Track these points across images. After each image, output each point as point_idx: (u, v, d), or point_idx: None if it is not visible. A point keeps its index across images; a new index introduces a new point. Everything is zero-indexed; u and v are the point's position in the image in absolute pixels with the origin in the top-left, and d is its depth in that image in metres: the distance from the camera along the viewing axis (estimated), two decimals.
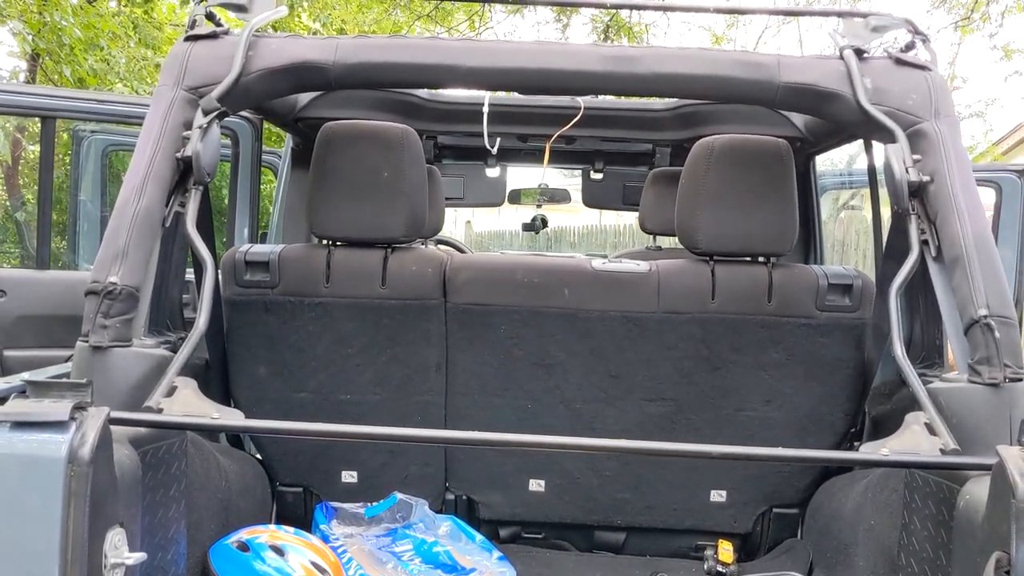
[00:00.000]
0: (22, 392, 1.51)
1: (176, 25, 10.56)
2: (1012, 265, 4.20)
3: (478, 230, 18.34)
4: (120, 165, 6.09)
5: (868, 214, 3.29)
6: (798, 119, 3.14)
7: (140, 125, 2.06)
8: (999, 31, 11.33)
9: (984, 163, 9.87)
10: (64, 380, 1.51)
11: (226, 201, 4.01)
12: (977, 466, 1.64)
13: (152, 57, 9.54)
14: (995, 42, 11.57)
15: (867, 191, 3.03)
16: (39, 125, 4.27)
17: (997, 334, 1.78)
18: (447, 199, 3.90)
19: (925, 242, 1.99)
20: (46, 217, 3.93)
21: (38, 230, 3.94)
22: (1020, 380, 1.77)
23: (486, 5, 10.19)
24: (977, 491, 1.59)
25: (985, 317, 1.80)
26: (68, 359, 2.65)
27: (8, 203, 9.65)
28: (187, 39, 2.16)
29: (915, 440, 1.78)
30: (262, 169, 4.03)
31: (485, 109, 3.15)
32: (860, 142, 3.20)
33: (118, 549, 1.48)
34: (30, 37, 7.90)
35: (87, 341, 1.83)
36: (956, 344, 1.91)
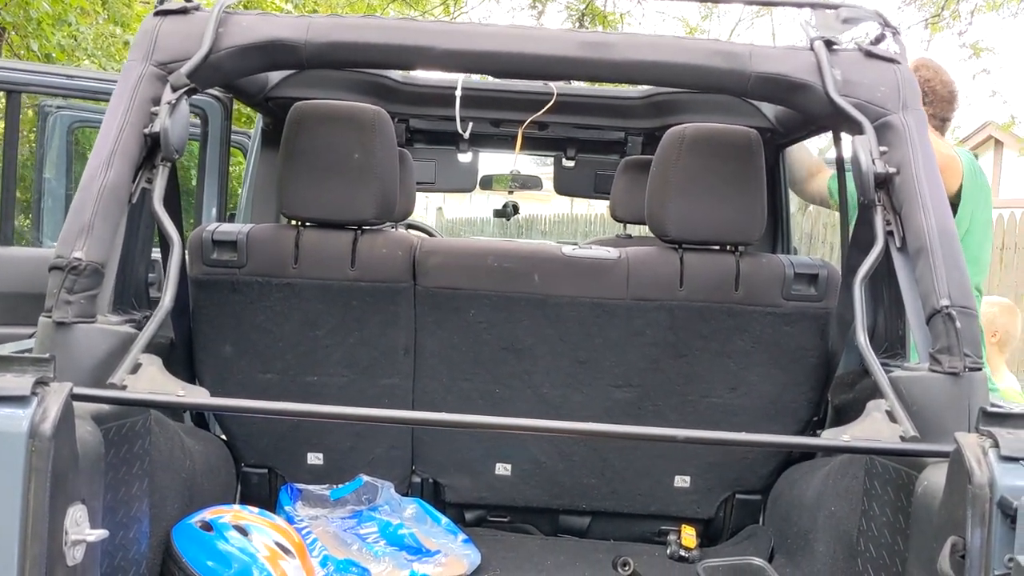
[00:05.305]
0: None
1: (145, 2, 10.42)
2: None
3: (449, 217, 18.33)
4: (87, 142, 6.00)
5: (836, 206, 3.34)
6: (769, 110, 3.16)
7: (108, 101, 2.03)
8: (968, 29, 11.48)
9: None
10: (26, 355, 1.49)
11: (194, 181, 3.96)
12: (935, 453, 1.67)
13: (121, 34, 9.41)
14: (964, 40, 11.71)
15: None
16: (2, 100, 4.20)
17: (958, 324, 1.81)
18: (418, 184, 3.88)
19: (890, 233, 2.02)
20: (10, 194, 3.87)
21: (2, 207, 3.87)
22: (979, 369, 1.80)
23: None
24: (935, 477, 1.62)
25: (947, 307, 1.82)
26: (32, 336, 2.62)
27: None
28: (157, 14, 2.13)
29: (876, 427, 1.80)
30: (231, 149, 3.98)
31: (458, 93, 3.14)
32: (830, 134, 3.22)
33: (79, 526, 1.47)
34: None
35: (50, 317, 1.80)
36: (918, 333, 1.94)
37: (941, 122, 3.51)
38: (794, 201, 4.06)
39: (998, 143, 18.70)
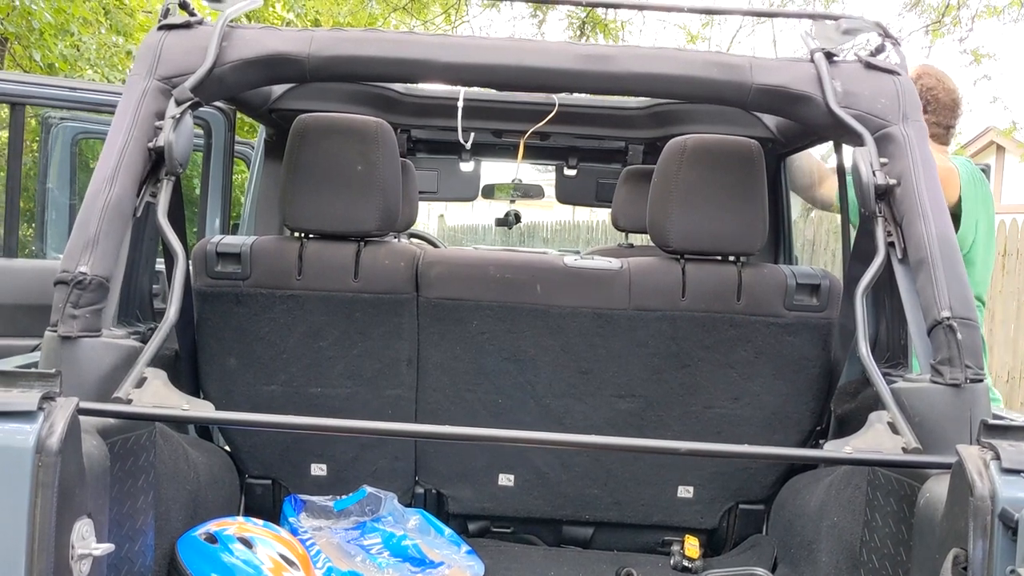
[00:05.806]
0: None
1: (148, 12, 10.45)
2: None
3: (451, 224, 18.32)
4: (90, 153, 6.03)
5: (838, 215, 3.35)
6: (770, 120, 3.16)
7: (111, 113, 2.05)
8: (969, 35, 11.46)
9: None
10: (32, 370, 1.50)
11: (197, 191, 3.98)
12: (937, 465, 1.67)
13: (123, 44, 9.45)
14: (965, 46, 11.70)
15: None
16: (6, 112, 4.22)
17: (959, 335, 1.81)
18: (421, 193, 3.90)
19: (891, 244, 2.02)
20: (14, 205, 3.88)
21: (5, 218, 3.89)
22: (980, 381, 1.81)
23: None
24: (937, 489, 1.63)
25: (948, 319, 1.83)
26: (34, 348, 2.63)
27: None
28: (160, 28, 2.15)
29: (878, 439, 1.81)
30: (234, 160, 4.00)
31: (460, 104, 3.15)
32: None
33: (85, 540, 1.48)
34: None
35: (56, 331, 1.81)
36: (919, 345, 1.94)
37: (945, 130, 3.52)
38: (796, 208, 4.07)
39: (999, 149, 18.68)
